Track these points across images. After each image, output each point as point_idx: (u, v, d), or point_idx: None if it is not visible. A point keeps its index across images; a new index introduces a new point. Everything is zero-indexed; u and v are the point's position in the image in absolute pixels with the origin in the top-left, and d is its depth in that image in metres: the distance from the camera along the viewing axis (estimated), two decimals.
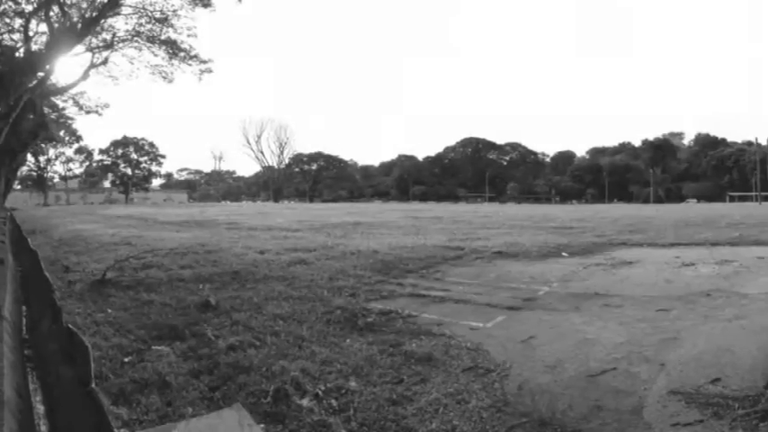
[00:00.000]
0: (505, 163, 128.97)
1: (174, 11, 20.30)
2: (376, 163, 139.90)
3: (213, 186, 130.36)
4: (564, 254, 12.61)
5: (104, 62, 22.72)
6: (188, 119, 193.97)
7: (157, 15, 20.26)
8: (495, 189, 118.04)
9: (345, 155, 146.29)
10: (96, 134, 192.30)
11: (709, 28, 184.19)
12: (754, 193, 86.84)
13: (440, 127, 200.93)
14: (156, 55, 21.87)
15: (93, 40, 21.72)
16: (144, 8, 20.24)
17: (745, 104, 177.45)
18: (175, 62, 21.99)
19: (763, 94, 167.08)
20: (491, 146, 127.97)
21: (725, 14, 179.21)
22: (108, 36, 21.65)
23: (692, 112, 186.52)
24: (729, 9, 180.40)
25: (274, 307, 6.82)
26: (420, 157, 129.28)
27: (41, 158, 76.92)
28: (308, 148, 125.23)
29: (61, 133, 62.06)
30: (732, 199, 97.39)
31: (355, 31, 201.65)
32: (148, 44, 21.44)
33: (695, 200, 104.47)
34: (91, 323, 6.10)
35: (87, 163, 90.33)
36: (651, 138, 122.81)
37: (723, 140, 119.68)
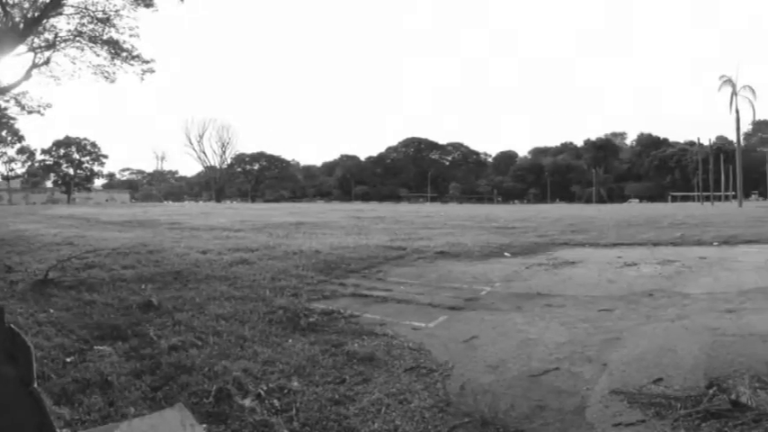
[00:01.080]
0: (447, 163, 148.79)
1: (117, 11, 23.89)
2: (318, 163, 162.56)
3: (155, 186, 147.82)
4: (506, 254, 14.59)
5: (47, 62, 25.94)
6: (130, 119, 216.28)
7: (100, 15, 23.78)
8: (438, 189, 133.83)
9: (288, 155, 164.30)
10: (39, 134, 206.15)
11: (650, 29, 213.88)
12: (696, 194, 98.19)
13: (382, 127, 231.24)
14: (98, 55, 25.66)
15: (36, 40, 24.97)
16: (86, 8, 23.69)
17: (687, 105, 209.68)
18: (117, 62, 25.88)
19: (705, 94, 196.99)
20: (433, 146, 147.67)
21: (666, 16, 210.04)
22: (50, 36, 25.05)
23: (635, 112, 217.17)
24: (671, 11, 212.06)
25: (216, 307, 7.76)
26: (362, 157, 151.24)
27: None
28: (250, 148, 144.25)
29: (3, 133, 72.80)
30: (674, 199, 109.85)
31: (298, 31, 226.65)
32: (91, 44, 25.11)
33: (637, 200, 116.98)
34: (33, 323, 6.90)
35: (29, 163, 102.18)
36: (593, 138, 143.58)
37: (665, 140, 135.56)
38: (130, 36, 24.78)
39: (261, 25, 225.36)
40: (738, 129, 72.16)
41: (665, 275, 11.09)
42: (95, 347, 5.93)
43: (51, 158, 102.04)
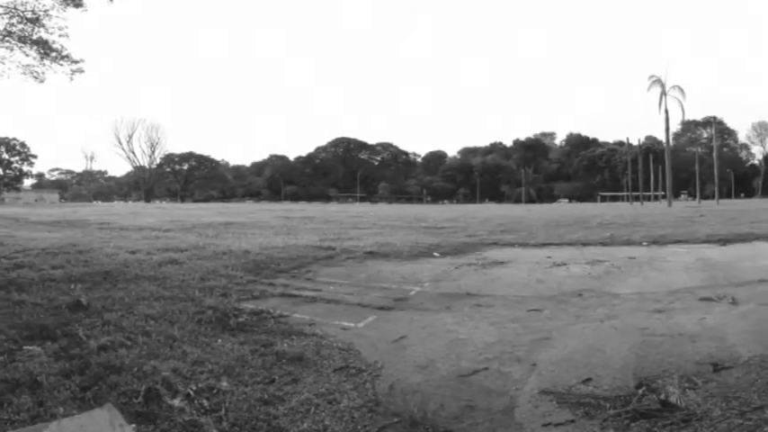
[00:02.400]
0: (377, 163, 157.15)
1: (46, 11, 24.06)
2: (247, 163, 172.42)
3: (85, 186, 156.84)
4: (435, 254, 15.33)
5: None
6: (60, 119, 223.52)
7: (29, 15, 23.99)
8: (367, 189, 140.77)
9: (217, 155, 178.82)
10: None
11: (579, 29, 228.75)
12: (625, 193, 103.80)
13: (311, 127, 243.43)
14: (27, 55, 25.92)
15: None
16: (15, 8, 23.93)
17: (616, 105, 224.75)
18: (47, 62, 26.03)
19: (634, 95, 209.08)
20: (362, 146, 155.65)
21: (595, 17, 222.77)
22: None
23: (565, 113, 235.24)
24: (600, 11, 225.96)
25: (146, 307, 7.98)
26: (292, 157, 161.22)
27: None
28: (180, 148, 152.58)
29: None
30: (603, 199, 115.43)
31: (226, 29, 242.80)
32: (20, 44, 25.31)
33: (567, 200, 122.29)
34: None
35: None
36: (523, 138, 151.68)
37: (595, 140, 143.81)
38: (60, 36, 25.20)
39: (189, 25, 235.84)
40: (667, 129, 76.29)
41: (594, 275, 11.63)
42: (24, 347, 6.07)
43: None
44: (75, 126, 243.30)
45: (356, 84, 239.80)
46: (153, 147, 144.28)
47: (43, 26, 24.68)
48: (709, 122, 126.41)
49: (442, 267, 13.00)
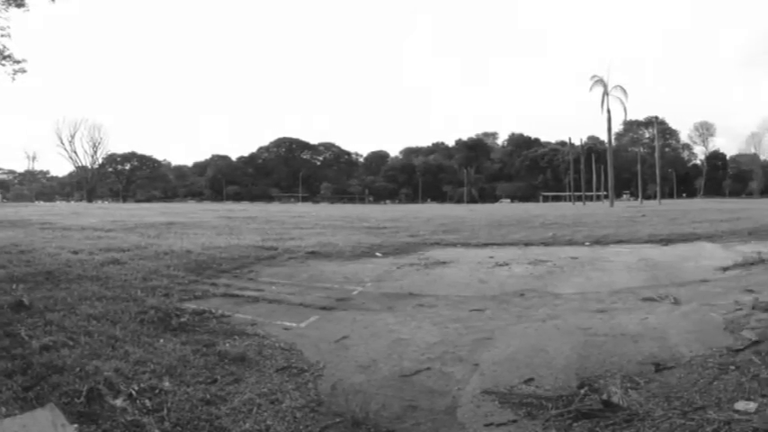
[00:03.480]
0: (319, 163, 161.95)
1: None
2: (190, 163, 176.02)
3: (27, 186, 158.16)
4: (378, 254, 15.76)
5: None
6: (1, 119, 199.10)
7: None
8: (309, 189, 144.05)
9: (159, 155, 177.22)
10: None
11: (522, 29, 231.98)
12: (567, 193, 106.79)
13: (254, 127, 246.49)
14: None
15: None
16: None
17: (559, 105, 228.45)
18: None
19: (577, 95, 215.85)
20: (305, 146, 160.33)
21: (537, 17, 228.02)
22: None
23: (507, 112, 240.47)
24: (543, 11, 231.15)
25: (88, 307, 8.04)
26: (234, 157, 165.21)
27: None
28: (122, 149, 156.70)
29: None
30: (545, 199, 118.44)
31: (164, 28, 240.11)
32: None
33: (509, 200, 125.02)
34: None
35: None
36: (465, 138, 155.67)
37: (537, 140, 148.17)
38: (1, 36, 26.33)
39: (130, 23, 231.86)
40: (609, 128, 78.60)
41: (536, 275, 11.95)
42: None
43: None
44: (17, 126, 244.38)
45: (298, 83, 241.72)
46: (95, 147, 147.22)
47: None
48: (651, 122, 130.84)
49: (385, 267, 13.36)
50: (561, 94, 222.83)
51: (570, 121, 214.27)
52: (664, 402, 4.66)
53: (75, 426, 4.17)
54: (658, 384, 5.17)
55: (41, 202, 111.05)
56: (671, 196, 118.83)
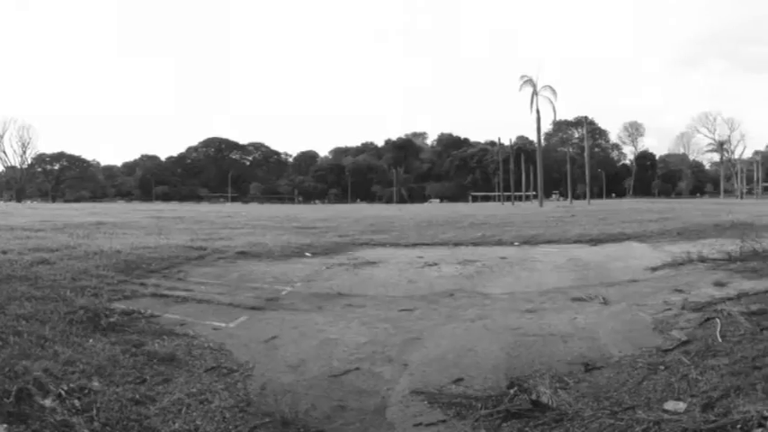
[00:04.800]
0: (248, 163, 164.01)
1: None
2: (119, 163, 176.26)
3: None
4: (307, 254, 16.06)
5: None
6: None
7: None
8: (239, 189, 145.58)
9: (89, 155, 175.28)
10: None
11: (452, 28, 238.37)
12: (496, 193, 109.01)
13: (183, 127, 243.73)
14: None
15: None
16: None
17: (488, 105, 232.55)
18: None
19: (506, 95, 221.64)
20: (234, 146, 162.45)
21: (466, 19, 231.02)
22: None
23: (436, 112, 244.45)
24: (471, 14, 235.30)
25: (17, 307, 7.96)
26: (163, 157, 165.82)
27: None
28: (51, 149, 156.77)
29: None
30: (475, 199, 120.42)
31: (92, 26, 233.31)
32: None
33: (438, 200, 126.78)
34: None
35: None
36: (394, 138, 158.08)
37: (466, 140, 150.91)
38: None
39: (58, 21, 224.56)
40: (539, 128, 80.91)
41: (465, 275, 12.21)
42: None
43: None
44: None
45: (227, 82, 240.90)
46: (24, 147, 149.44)
47: None
48: (581, 122, 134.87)
49: (314, 267, 13.63)
50: (491, 94, 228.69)
51: (500, 121, 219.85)
52: (593, 402, 4.81)
53: (5, 426, 4.19)
54: (588, 384, 5.35)
55: None
56: (600, 196, 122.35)
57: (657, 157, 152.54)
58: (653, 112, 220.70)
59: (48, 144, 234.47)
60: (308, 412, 4.94)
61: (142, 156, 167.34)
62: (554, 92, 79.98)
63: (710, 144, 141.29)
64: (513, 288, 10.68)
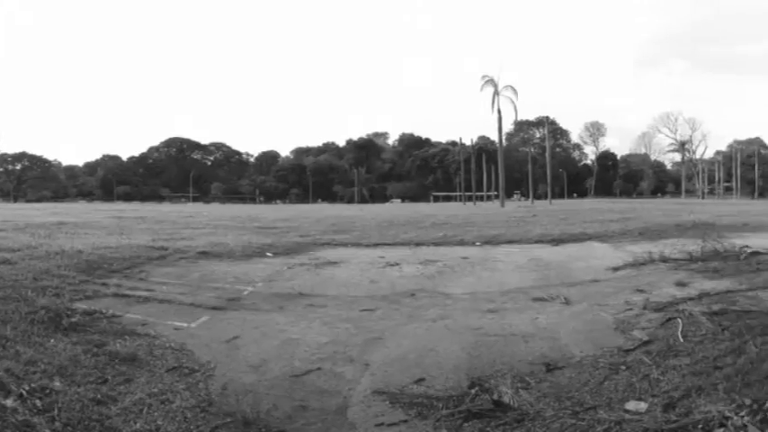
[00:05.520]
0: (210, 163, 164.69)
1: None
2: (80, 163, 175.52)
3: None
4: (268, 254, 16.16)
5: None
6: None
7: None
8: (200, 189, 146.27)
9: (50, 155, 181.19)
10: None
11: (413, 29, 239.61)
12: (458, 193, 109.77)
13: (145, 126, 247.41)
14: None
15: None
16: None
17: (450, 105, 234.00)
18: None
19: (468, 95, 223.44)
20: (195, 146, 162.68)
21: (425, 19, 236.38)
22: None
23: (398, 112, 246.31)
24: (429, 14, 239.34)
25: None
26: (125, 157, 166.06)
27: None
28: (13, 148, 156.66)
29: None
30: (436, 199, 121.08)
31: (55, 24, 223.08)
32: None
33: (399, 200, 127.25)
34: None
35: None
36: (356, 138, 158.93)
37: (428, 140, 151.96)
38: None
39: (18, 20, 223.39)
40: (500, 128, 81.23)
41: (427, 275, 12.30)
42: None
43: None
44: None
45: (189, 82, 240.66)
46: None
47: None
48: (542, 122, 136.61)
49: (275, 267, 13.73)
50: (452, 94, 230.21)
51: (461, 121, 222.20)
52: (554, 402, 4.89)
53: None
54: (549, 384, 5.43)
55: None
56: (562, 196, 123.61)
57: (619, 157, 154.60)
58: (615, 111, 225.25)
59: (9, 144, 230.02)
60: (269, 412, 4.97)
61: (104, 156, 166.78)
62: (515, 92, 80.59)
63: (672, 144, 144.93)
64: (475, 288, 10.78)
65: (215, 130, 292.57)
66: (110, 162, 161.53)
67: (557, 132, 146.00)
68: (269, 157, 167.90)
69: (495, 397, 4.95)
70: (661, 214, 32.26)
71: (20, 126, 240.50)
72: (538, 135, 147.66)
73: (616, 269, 12.34)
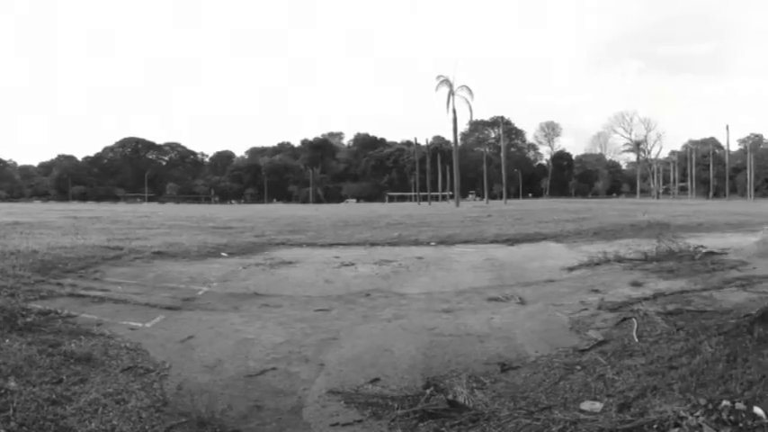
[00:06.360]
0: (165, 163, 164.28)
1: None
2: (35, 163, 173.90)
3: None
4: (223, 254, 16.36)
5: None
6: None
7: None
8: (155, 189, 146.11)
9: (5, 154, 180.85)
10: None
11: (367, 28, 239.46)
12: (413, 194, 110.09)
13: (99, 126, 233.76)
14: None
15: None
16: None
17: (405, 105, 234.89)
18: None
19: (423, 95, 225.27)
20: (150, 146, 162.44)
21: (380, 19, 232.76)
22: None
23: (353, 112, 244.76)
24: (383, 14, 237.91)
25: None
26: (80, 157, 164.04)
27: None
28: None
29: None
30: (391, 199, 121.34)
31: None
32: None
33: (354, 200, 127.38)
34: None
35: None
36: (311, 138, 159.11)
37: (383, 140, 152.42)
38: None
39: None
40: (455, 128, 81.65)
41: (382, 275, 12.39)
42: None
43: None
44: None
45: (143, 81, 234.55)
46: None
47: None
48: (497, 122, 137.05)
49: (230, 267, 13.85)
50: (408, 94, 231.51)
51: (417, 121, 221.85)
52: (510, 402, 4.95)
53: None
54: (504, 384, 5.50)
55: None
56: (517, 196, 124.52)
57: (574, 157, 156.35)
58: (570, 112, 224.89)
59: None
60: (224, 412, 5.01)
61: (59, 156, 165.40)
62: (470, 92, 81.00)
63: (627, 144, 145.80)
64: (430, 288, 10.86)
65: (170, 130, 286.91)
66: (65, 162, 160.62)
67: (512, 132, 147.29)
68: (224, 158, 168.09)
69: (451, 397, 4.99)
70: (616, 214, 32.71)
71: None
72: (493, 135, 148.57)
73: (571, 269, 12.52)
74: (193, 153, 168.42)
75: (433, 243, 19.01)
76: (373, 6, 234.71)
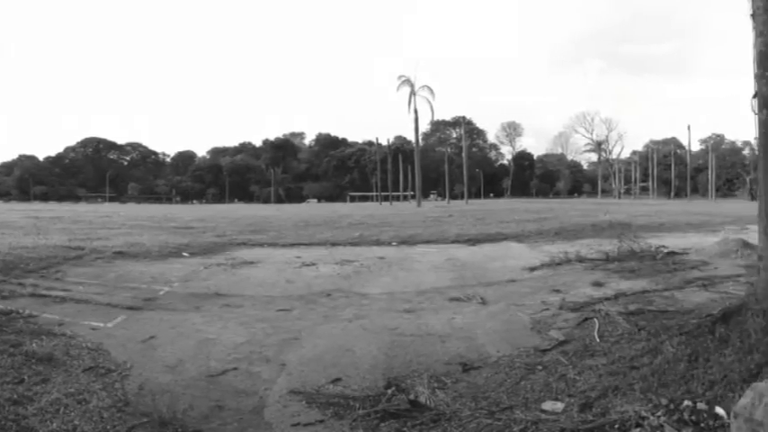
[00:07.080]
0: (126, 163, 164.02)
1: None
2: None
3: None
4: (185, 254, 16.51)
5: None
6: None
7: None
8: (116, 189, 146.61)
9: None
10: None
11: (327, 30, 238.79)
12: (374, 194, 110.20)
13: (60, 126, 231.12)
14: None
15: None
16: None
17: (366, 105, 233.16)
18: None
19: (385, 95, 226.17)
20: (111, 146, 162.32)
21: (338, 19, 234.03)
22: None
23: (314, 113, 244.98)
24: (343, 14, 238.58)
25: None
26: (41, 157, 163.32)
27: None
28: None
29: None
30: (353, 199, 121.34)
31: None
32: None
33: (316, 200, 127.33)
34: None
35: None
36: (272, 137, 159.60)
37: (344, 140, 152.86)
38: None
39: None
40: (417, 128, 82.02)
41: (343, 275, 12.44)
42: None
43: None
44: None
45: (105, 82, 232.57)
46: None
47: None
48: (459, 122, 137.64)
49: (192, 267, 13.94)
50: (369, 94, 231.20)
51: (378, 121, 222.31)
52: (471, 402, 5.01)
53: None
54: (466, 384, 5.56)
55: None
56: (478, 196, 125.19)
57: (536, 157, 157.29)
58: (532, 112, 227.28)
59: None
60: (185, 412, 5.00)
61: (20, 156, 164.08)
62: (432, 92, 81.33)
63: (588, 144, 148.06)
64: (391, 288, 10.92)
65: (132, 130, 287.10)
66: (26, 162, 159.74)
67: (473, 132, 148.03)
68: (185, 158, 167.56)
69: (412, 397, 5.03)
70: (577, 214, 33.31)
71: None
72: (454, 135, 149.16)
73: (533, 269, 12.69)
74: (155, 153, 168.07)
75: (394, 243, 19.13)
76: (335, 5, 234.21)
